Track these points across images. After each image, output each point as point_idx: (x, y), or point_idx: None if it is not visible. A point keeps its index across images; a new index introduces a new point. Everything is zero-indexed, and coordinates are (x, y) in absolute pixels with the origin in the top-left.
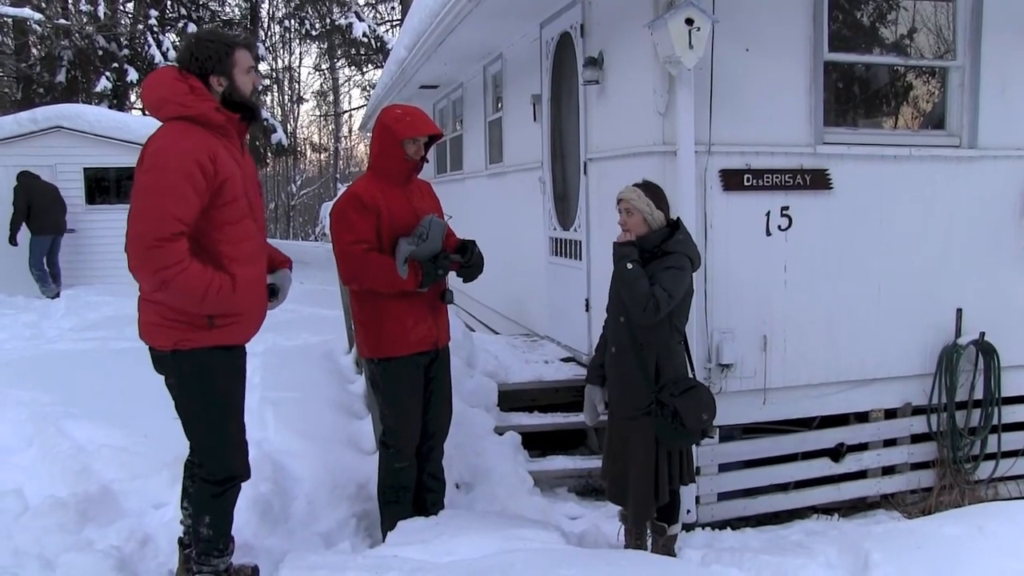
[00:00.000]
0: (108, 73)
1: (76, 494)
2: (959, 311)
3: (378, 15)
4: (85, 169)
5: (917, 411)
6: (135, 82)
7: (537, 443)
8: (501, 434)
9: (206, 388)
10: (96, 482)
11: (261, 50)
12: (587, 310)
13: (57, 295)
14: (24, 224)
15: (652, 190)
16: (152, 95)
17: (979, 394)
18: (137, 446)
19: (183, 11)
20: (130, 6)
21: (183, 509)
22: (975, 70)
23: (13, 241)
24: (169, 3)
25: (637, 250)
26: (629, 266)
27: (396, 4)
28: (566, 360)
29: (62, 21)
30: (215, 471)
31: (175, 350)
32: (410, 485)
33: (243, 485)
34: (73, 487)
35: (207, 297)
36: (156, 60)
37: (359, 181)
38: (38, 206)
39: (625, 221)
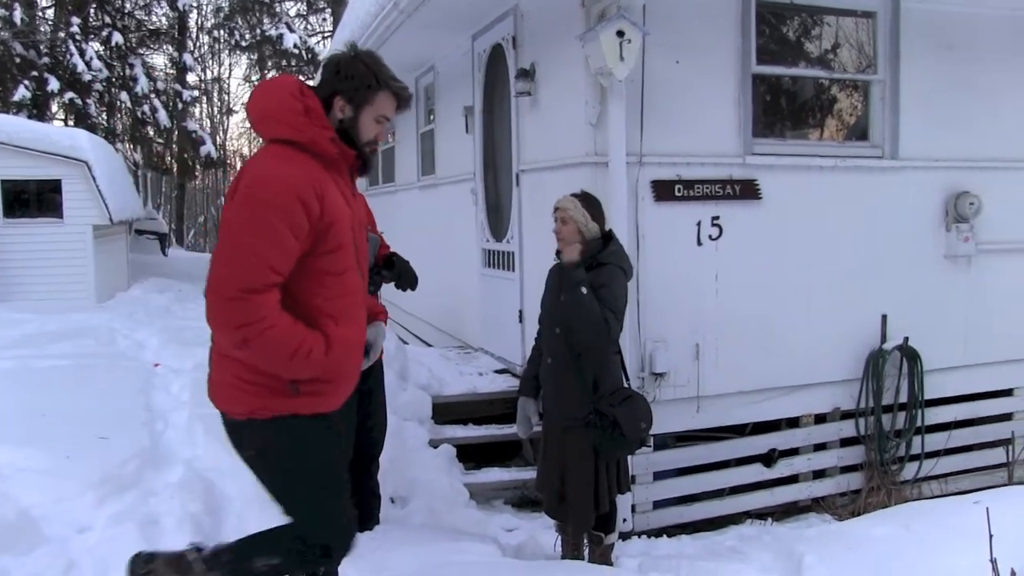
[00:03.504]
0: (27, 82)
1: None
2: (884, 317)
3: (309, 26)
4: (3, 182)
5: (846, 415)
6: (56, 91)
7: (472, 455)
8: (436, 447)
9: (291, 461)
10: (12, 508)
11: (189, 60)
12: (521, 321)
13: None
14: None
15: (589, 201)
16: (258, 106)
17: (904, 397)
18: (59, 468)
19: (107, 19)
20: (50, 13)
21: None
22: (895, 83)
23: None
24: (92, 11)
25: (584, 269)
26: (584, 291)
27: (327, 15)
28: (500, 372)
29: None
30: (313, 540)
31: (250, 419)
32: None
33: (174, 504)
34: None
35: (294, 360)
36: (79, 69)
37: None
38: None
39: (560, 230)
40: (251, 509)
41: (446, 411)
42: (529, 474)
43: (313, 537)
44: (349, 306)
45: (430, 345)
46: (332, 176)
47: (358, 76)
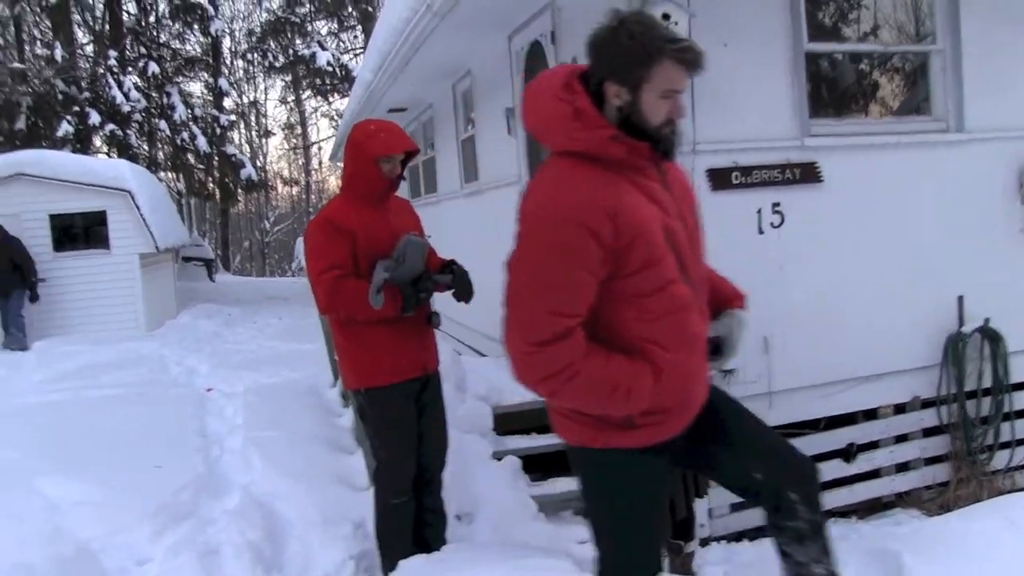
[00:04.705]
0: (69, 117)
1: (48, 557)
2: (960, 298)
3: (341, 43)
4: (51, 216)
5: (926, 404)
6: (97, 124)
7: (538, 466)
8: (499, 459)
9: (612, 497)
10: (71, 542)
11: (225, 85)
12: None
13: (25, 348)
14: None
15: None
16: (531, 117)
17: (988, 382)
18: (115, 500)
19: (143, 50)
20: (88, 48)
21: None
22: (956, 53)
23: None
24: (128, 43)
25: None
26: None
27: (359, 32)
28: None
29: (17, 65)
30: None
31: (582, 446)
32: (408, 521)
33: (232, 532)
34: (45, 549)
35: (613, 400)
36: (118, 101)
37: (332, 203)
38: None
39: None
40: (312, 532)
41: (507, 421)
42: None
43: None
44: (678, 324)
45: (484, 355)
46: (627, 177)
47: (624, 53)
